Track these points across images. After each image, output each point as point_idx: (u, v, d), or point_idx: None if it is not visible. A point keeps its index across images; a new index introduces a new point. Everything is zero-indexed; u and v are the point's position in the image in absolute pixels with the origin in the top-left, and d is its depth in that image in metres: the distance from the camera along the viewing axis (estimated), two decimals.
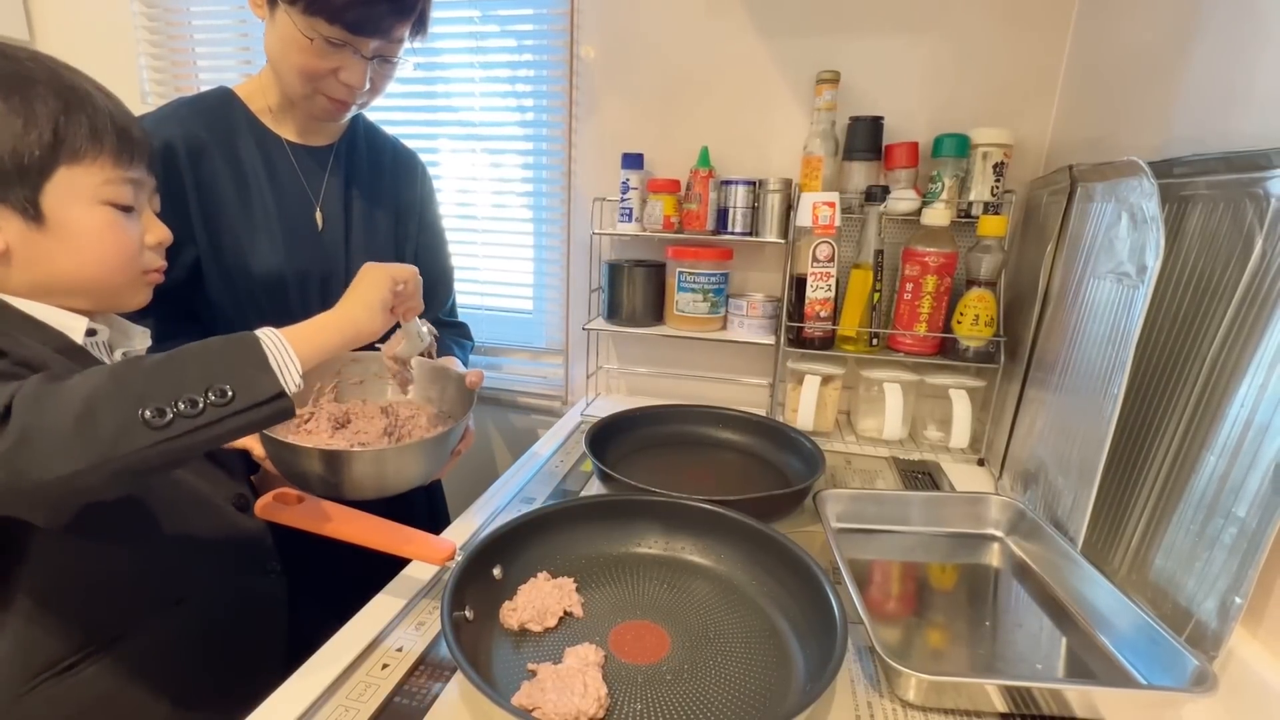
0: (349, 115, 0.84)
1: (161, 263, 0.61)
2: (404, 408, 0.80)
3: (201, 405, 0.44)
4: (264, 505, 0.62)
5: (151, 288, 0.62)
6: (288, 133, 0.85)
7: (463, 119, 1.30)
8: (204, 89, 0.87)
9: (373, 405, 0.80)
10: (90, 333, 0.57)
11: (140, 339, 0.64)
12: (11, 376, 0.46)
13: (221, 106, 0.81)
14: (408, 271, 0.63)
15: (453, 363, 0.85)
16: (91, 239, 0.55)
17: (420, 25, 0.79)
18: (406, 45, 0.79)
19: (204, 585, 0.63)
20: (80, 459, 0.41)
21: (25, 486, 0.41)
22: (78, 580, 0.54)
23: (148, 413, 0.42)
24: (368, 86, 0.78)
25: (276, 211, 0.82)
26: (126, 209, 0.56)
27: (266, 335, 0.49)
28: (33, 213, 0.52)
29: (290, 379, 0.48)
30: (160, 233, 0.60)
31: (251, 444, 0.71)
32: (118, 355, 0.61)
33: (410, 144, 0.98)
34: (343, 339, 0.55)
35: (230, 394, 0.45)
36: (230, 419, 0.45)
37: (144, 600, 0.58)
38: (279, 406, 0.47)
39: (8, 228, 0.51)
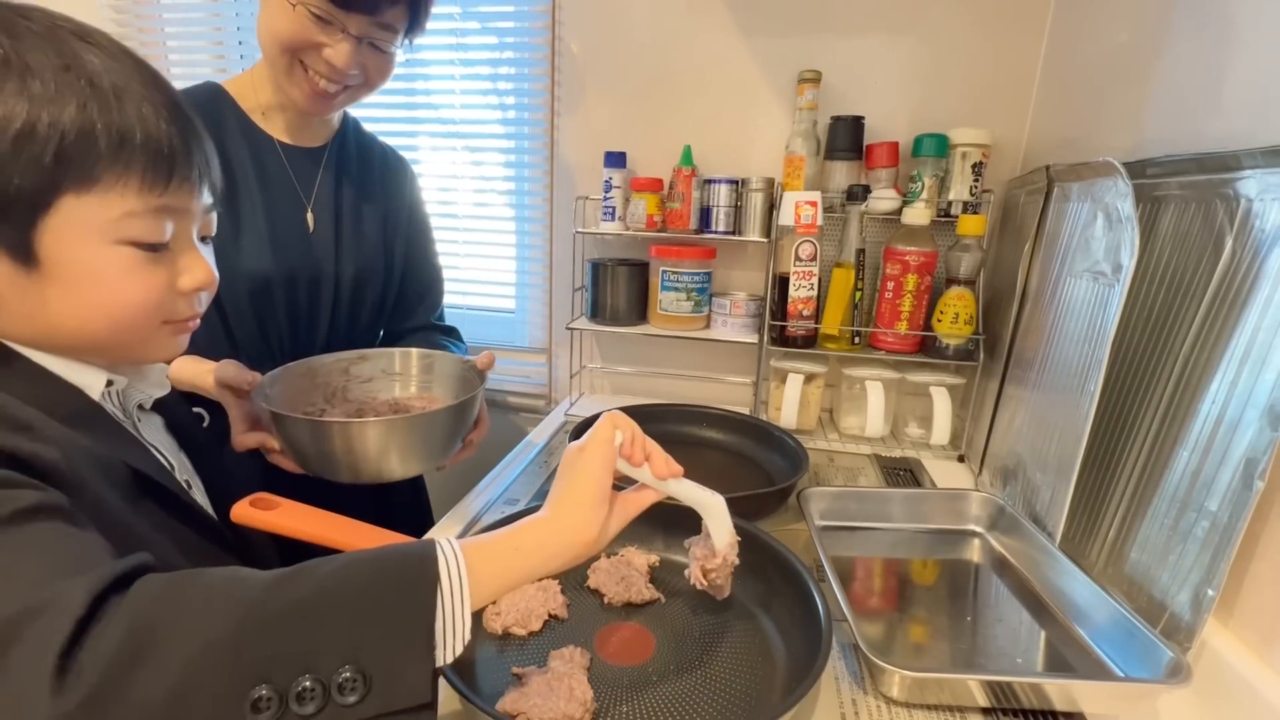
0: (336, 107, 0.81)
1: (195, 310, 0.49)
2: (415, 402, 0.81)
3: (324, 698, 0.32)
4: (240, 511, 0.61)
5: (183, 339, 0.50)
6: (279, 132, 0.82)
7: (443, 116, 1.28)
8: (178, 86, 0.84)
9: (382, 402, 0.80)
10: (108, 382, 0.47)
11: (158, 381, 0.54)
12: (39, 510, 0.34)
13: (209, 102, 0.79)
14: (619, 425, 0.50)
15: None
16: (98, 288, 0.42)
17: (416, 18, 0.75)
18: (401, 39, 0.76)
19: None
20: None
21: None
22: None
23: (262, 693, 0.31)
24: (355, 72, 0.75)
25: (265, 212, 0.80)
26: (154, 247, 0.44)
27: (446, 574, 0.37)
28: (23, 254, 0.40)
29: (450, 650, 0.37)
30: (199, 276, 0.47)
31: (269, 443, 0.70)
32: (132, 406, 0.52)
33: (390, 142, 0.97)
34: (548, 564, 0.43)
35: (366, 687, 0.33)
36: None
37: None
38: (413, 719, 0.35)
39: None
